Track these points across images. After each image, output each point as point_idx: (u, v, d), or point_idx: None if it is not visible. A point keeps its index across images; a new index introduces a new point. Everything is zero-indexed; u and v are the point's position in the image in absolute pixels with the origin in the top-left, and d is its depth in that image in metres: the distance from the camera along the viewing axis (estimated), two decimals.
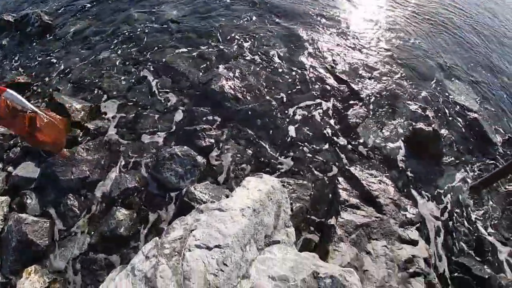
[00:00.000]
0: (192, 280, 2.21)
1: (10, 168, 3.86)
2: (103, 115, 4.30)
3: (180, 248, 2.41)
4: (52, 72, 5.15)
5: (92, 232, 3.30)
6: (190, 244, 2.40)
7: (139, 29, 5.89)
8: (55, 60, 5.43)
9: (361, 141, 4.18)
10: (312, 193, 3.64)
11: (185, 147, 3.68)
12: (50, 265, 3.15)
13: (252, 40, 5.55)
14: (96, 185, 3.59)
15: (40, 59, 5.53)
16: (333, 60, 5.31)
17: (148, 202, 3.47)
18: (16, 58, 5.68)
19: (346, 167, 3.88)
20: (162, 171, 3.51)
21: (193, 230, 2.47)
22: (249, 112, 4.30)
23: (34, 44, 5.94)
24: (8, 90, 2.04)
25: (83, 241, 3.26)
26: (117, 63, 5.13)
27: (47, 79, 5.05)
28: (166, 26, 5.96)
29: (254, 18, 6.15)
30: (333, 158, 3.98)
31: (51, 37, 6.03)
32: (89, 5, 6.88)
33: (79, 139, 3.98)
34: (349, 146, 4.11)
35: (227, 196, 3.32)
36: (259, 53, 5.25)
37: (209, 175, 3.66)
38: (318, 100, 4.62)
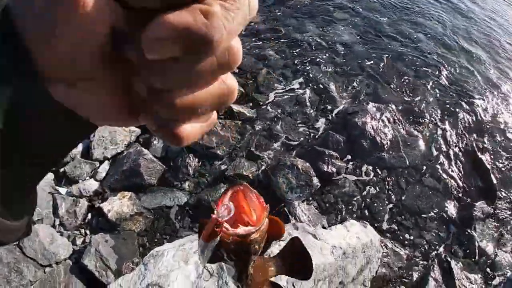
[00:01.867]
0: None
1: None
2: (251, 105, 4.69)
3: None
4: None
5: (193, 194, 3.64)
6: (274, 251, 2.50)
7: (306, 40, 6.13)
8: None
9: (475, 237, 3.69)
10: (403, 266, 3.40)
11: (307, 164, 3.79)
12: (143, 200, 3.55)
13: (413, 91, 5.30)
14: (216, 158, 3.95)
15: None
16: None
17: None
18: None
19: (448, 258, 3.52)
20: (277, 174, 3.69)
21: (282, 240, 2.56)
22: (379, 159, 4.18)
23: None
24: None
25: (181, 197, 3.61)
26: (278, 64, 5.48)
27: None
28: (332, 45, 6.10)
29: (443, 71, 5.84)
30: (440, 242, 3.64)
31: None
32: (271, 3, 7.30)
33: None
34: (461, 239, 3.69)
35: (323, 227, 3.33)
36: (415, 107, 5.00)
37: (315, 200, 3.70)
38: (452, 185, 4.21)
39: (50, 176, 3.68)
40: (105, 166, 3.79)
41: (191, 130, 0.33)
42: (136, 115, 0.34)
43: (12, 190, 0.34)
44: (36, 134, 0.33)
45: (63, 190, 3.58)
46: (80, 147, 3.89)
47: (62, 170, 3.69)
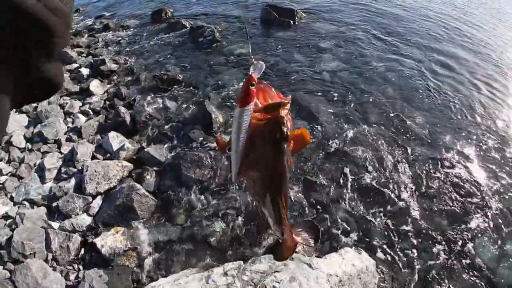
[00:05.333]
0: None
1: (144, 144, 4.56)
2: None
3: (258, 281, 2.54)
4: (207, 81, 6.04)
5: (186, 229, 3.62)
6: (269, 282, 2.52)
7: (293, 70, 6.41)
8: (211, 72, 6.35)
9: (473, 260, 3.68)
10: None
11: (300, 194, 3.85)
12: (137, 236, 3.52)
13: (401, 114, 5.43)
14: (208, 190, 3.97)
15: (200, 66, 6.55)
16: None
17: (247, 229, 3.69)
18: (180, 56, 6.92)
19: (445, 282, 3.46)
20: None
21: (277, 271, 2.58)
22: (370, 185, 4.23)
23: (200, 52, 7.12)
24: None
25: (175, 232, 3.59)
26: None
27: (201, 85, 5.95)
28: (319, 74, 6.35)
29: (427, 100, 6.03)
30: (437, 265, 3.59)
31: (216, 52, 7.15)
32: (259, 37, 7.86)
33: (215, 144, 4.45)
34: (459, 261, 3.67)
35: (318, 256, 3.35)
36: (403, 130, 5.11)
37: None
38: None
39: (42, 210, 3.67)
40: (98, 201, 3.79)
41: None
42: None
43: None
44: None
45: (55, 225, 3.57)
46: (73, 181, 3.90)
47: (54, 204, 3.69)
